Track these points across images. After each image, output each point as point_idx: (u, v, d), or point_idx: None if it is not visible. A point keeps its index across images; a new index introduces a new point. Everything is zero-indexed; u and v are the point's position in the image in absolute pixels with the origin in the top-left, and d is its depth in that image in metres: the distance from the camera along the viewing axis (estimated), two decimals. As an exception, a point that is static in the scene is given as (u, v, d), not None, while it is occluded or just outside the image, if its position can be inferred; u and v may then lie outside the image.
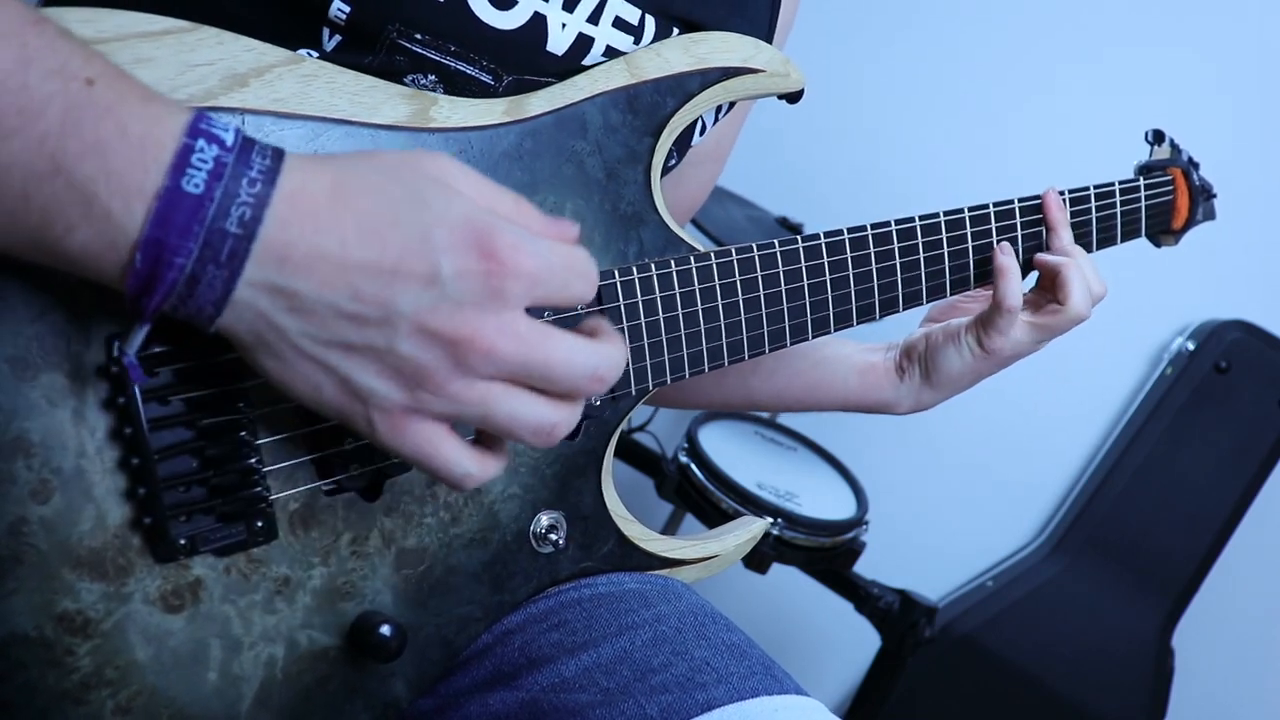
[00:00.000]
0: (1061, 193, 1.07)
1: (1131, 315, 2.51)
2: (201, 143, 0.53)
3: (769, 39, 0.99)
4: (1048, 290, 1.04)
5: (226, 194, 0.52)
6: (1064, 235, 1.05)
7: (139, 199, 0.51)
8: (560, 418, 0.61)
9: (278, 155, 0.55)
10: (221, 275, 0.53)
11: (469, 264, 0.56)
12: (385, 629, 0.71)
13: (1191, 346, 2.44)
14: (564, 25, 0.81)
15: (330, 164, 0.57)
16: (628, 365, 0.82)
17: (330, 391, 0.57)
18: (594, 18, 0.82)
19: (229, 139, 0.53)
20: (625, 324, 0.82)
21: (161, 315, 0.54)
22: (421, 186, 0.58)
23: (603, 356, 0.61)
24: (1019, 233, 1.04)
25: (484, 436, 0.63)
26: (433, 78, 0.79)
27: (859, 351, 1.10)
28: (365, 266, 0.54)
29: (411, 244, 0.55)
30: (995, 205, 1.03)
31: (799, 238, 0.91)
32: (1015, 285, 1.00)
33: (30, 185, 0.51)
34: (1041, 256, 1.04)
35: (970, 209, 1.01)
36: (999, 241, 1.02)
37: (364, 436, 0.60)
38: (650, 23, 0.86)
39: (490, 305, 0.57)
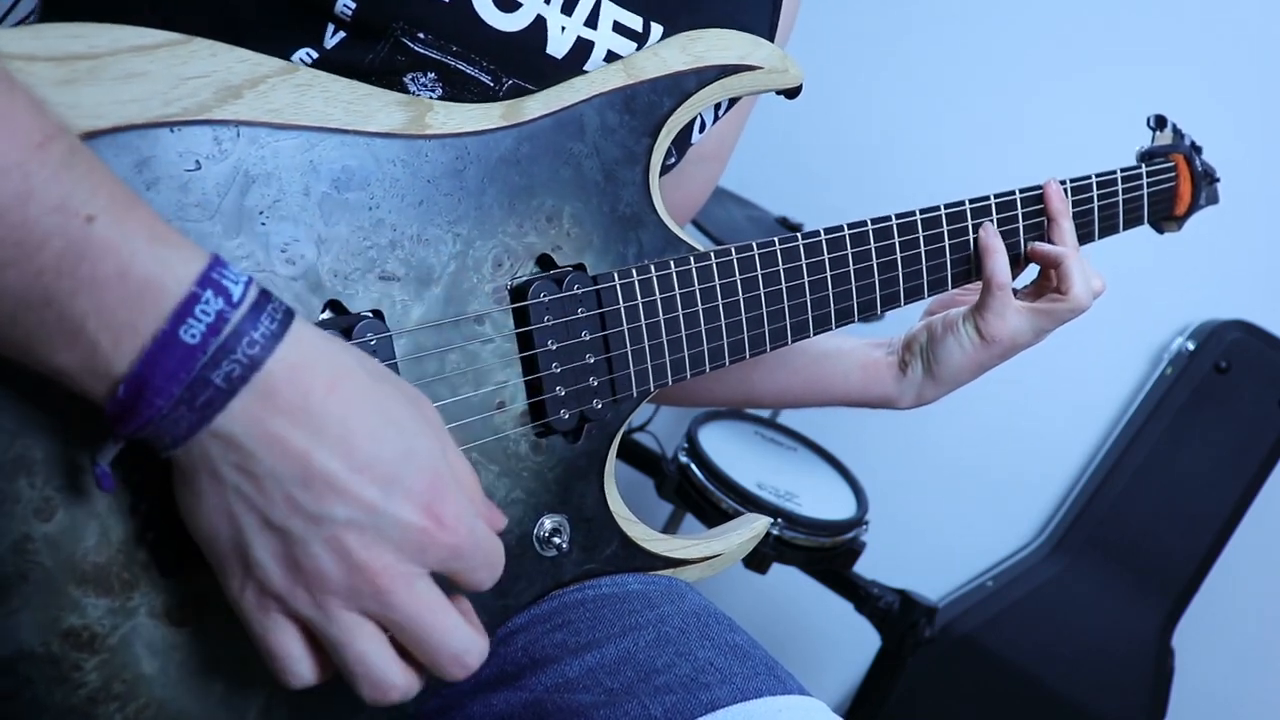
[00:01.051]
0: (1063, 182, 1.07)
1: (1131, 315, 2.51)
2: (209, 294, 0.53)
3: (770, 38, 0.99)
4: (1048, 281, 1.05)
5: (222, 349, 0.53)
6: (1065, 226, 1.05)
7: (130, 337, 0.51)
8: (402, 684, 0.61)
9: (285, 320, 0.55)
10: (189, 419, 0.53)
11: (413, 515, 0.58)
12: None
13: (1191, 346, 2.44)
14: (563, 29, 0.81)
15: (334, 352, 0.58)
16: (629, 367, 0.82)
17: (225, 545, 0.58)
18: (591, 22, 0.82)
19: (236, 294, 0.53)
20: (626, 326, 0.82)
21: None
22: (414, 420, 0.60)
23: (474, 643, 0.62)
24: (1020, 224, 1.04)
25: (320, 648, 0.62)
26: (433, 76, 0.78)
27: (861, 347, 1.10)
28: (324, 466, 0.55)
29: (377, 468, 0.57)
30: (996, 196, 1.03)
31: (798, 235, 0.91)
32: (1002, 261, 1.01)
33: (20, 312, 0.51)
34: (1040, 246, 1.04)
35: (971, 201, 1.01)
36: (983, 224, 1.02)
37: (225, 592, 0.59)
38: (656, 29, 0.85)
39: (409, 556, 0.58)
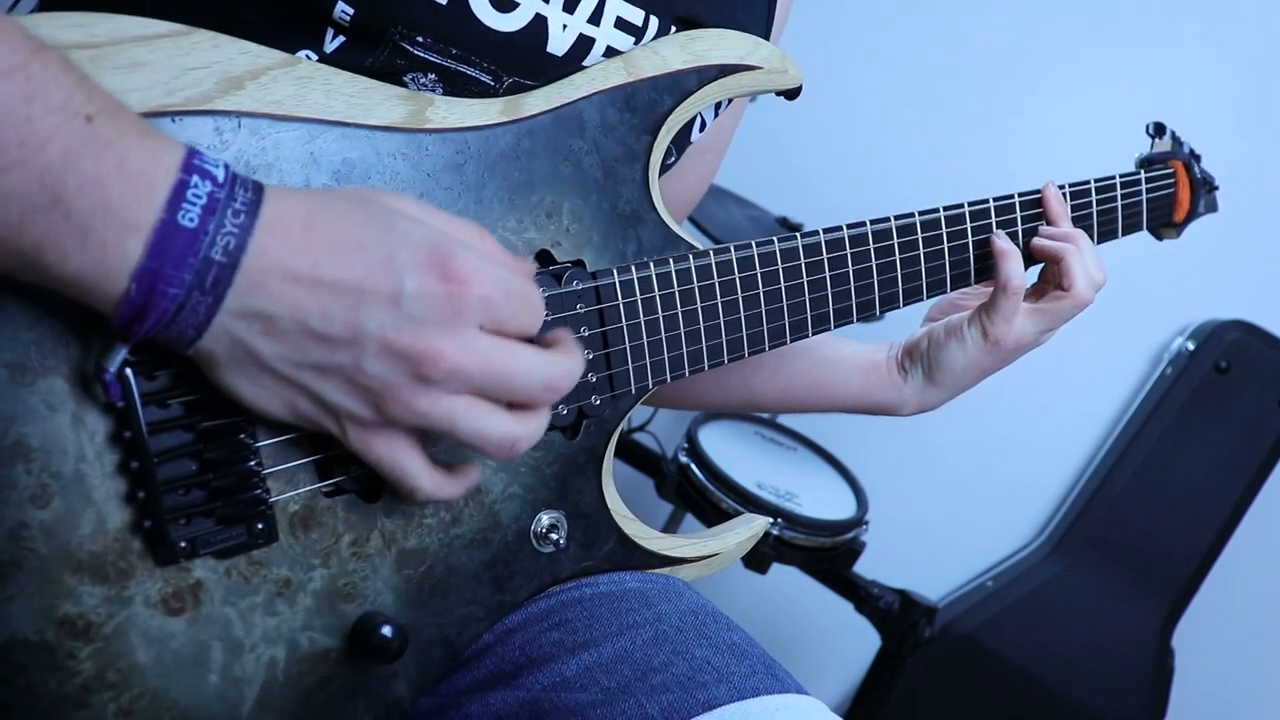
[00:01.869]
0: (1062, 186, 1.07)
1: (1131, 315, 2.51)
2: (195, 178, 0.55)
3: (766, 35, 0.99)
4: (1049, 278, 1.05)
5: (216, 226, 0.54)
6: (1064, 228, 1.05)
7: (134, 232, 0.53)
8: (523, 431, 0.64)
9: (258, 188, 0.57)
10: (205, 302, 0.55)
11: (430, 284, 0.59)
12: (386, 630, 0.71)
13: (1191, 346, 2.44)
14: (565, 26, 0.81)
15: (303, 196, 0.60)
16: (628, 363, 0.82)
17: (305, 408, 0.61)
18: (595, 18, 0.83)
19: (220, 175, 0.56)
20: (625, 322, 0.82)
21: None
22: (386, 214, 0.61)
23: (556, 367, 0.65)
24: (1019, 226, 1.04)
25: (453, 463, 0.66)
26: (433, 77, 0.79)
27: (862, 351, 1.10)
28: (333, 285, 0.57)
29: (376, 264, 0.58)
30: (995, 200, 1.03)
31: (798, 235, 0.91)
32: (1018, 265, 1.00)
33: (27, 215, 0.52)
34: (1040, 241, 1.04)
35: (970, 204, 1.01)
36: (996, 231, 1.02)
37: (342, 443, 0.63)
38: (654, 23, 0.86)
39: (450, 323, 0.60)
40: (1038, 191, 1.05)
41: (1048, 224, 1.05)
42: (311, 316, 0.57)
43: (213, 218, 0.54)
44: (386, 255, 0.58)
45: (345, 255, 0.58)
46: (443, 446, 0.72)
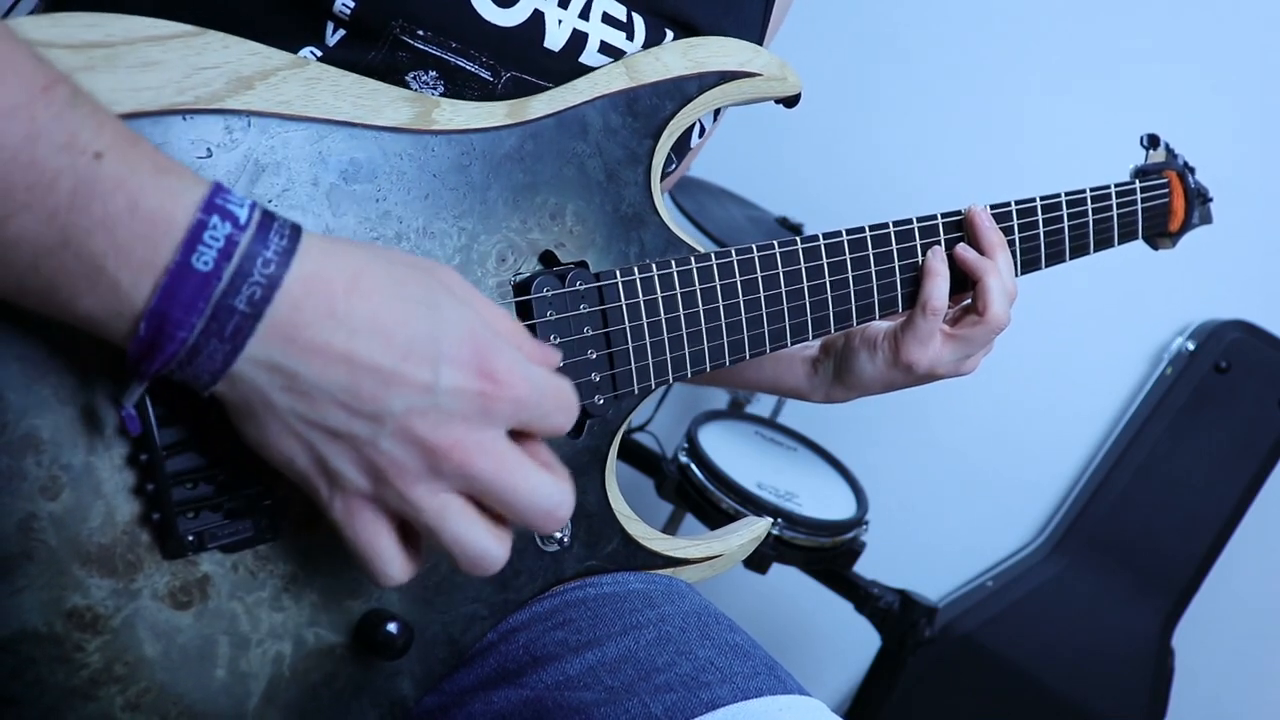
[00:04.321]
0: (1056, 195, 1.07)
1: (1131, 315, 2.52)
2: (215, 219, 0.53)
3: (761, 37, 0.99)
4: (965, 302, 1.02)
5: (238, 273, 0.53)
6: (998, 253, 1.00)
7: (147, 273, 0.52)
8: (497, 552, 0.62)
9: (295, 235, 0.55)
10: (223, 350, 0.54)
11: (467, 381, 0.58)
12: (391, 626, 0.71)
13: (1191, 346, 2.44)
14: (560, 21, 0.82)
15: (348, 253, 0.57)
16: (630, 364, 0.83)
17: (303, 464, 0.59)
18: (584, 14, 0.84)
19: (242, 216, 0.53)
20: (628, 323, 0.82)
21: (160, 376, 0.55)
22: (434, 291, 0.59)
23: (563, 495, 0.62)
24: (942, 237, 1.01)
25: (411, 540, 0.63)
26: (434, 74, 0.79)
27: None
28: (368, 362, 0.55)
29: (416, 350, 0.56)
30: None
31: (798, 238, 0.92)
32: (942, 286, 0.97)
33: (39, 257, 0.51)
34: (964, 253, 1.00)
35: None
36: (931, 247, 0.99)
37: (318, 505, 0.61)
38: (638, 21, 0.86)
39: (477, 422, 0.58)
40: (958, 213, 1.02)
41: (981, 243, 1.00)
42: (339, 387, 0.55)
43: (229, 263, 0.52)
44: (429, 341, 0.57)
45: (387, 333, 0.56)
46: None
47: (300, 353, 0.54)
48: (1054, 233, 1.08)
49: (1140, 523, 2.45)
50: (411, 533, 0.62)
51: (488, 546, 0.61)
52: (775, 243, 0.90)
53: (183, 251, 0.52)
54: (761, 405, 2.46)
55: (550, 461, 0.64)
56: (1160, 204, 1.19)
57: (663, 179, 0.89)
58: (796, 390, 1.10)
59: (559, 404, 0.62)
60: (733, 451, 2.03)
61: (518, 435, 0.62)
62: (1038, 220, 1.06)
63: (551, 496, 0.61)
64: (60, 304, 0.53)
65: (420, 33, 0.77)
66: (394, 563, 0.61)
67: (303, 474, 0.59)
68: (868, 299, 0.97)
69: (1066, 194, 1.08)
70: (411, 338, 0.56)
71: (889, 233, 0.97)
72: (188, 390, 0.59)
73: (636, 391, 0.85)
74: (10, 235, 0.50)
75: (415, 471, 0.58)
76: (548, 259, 0.80)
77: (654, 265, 0.84)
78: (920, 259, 0.99)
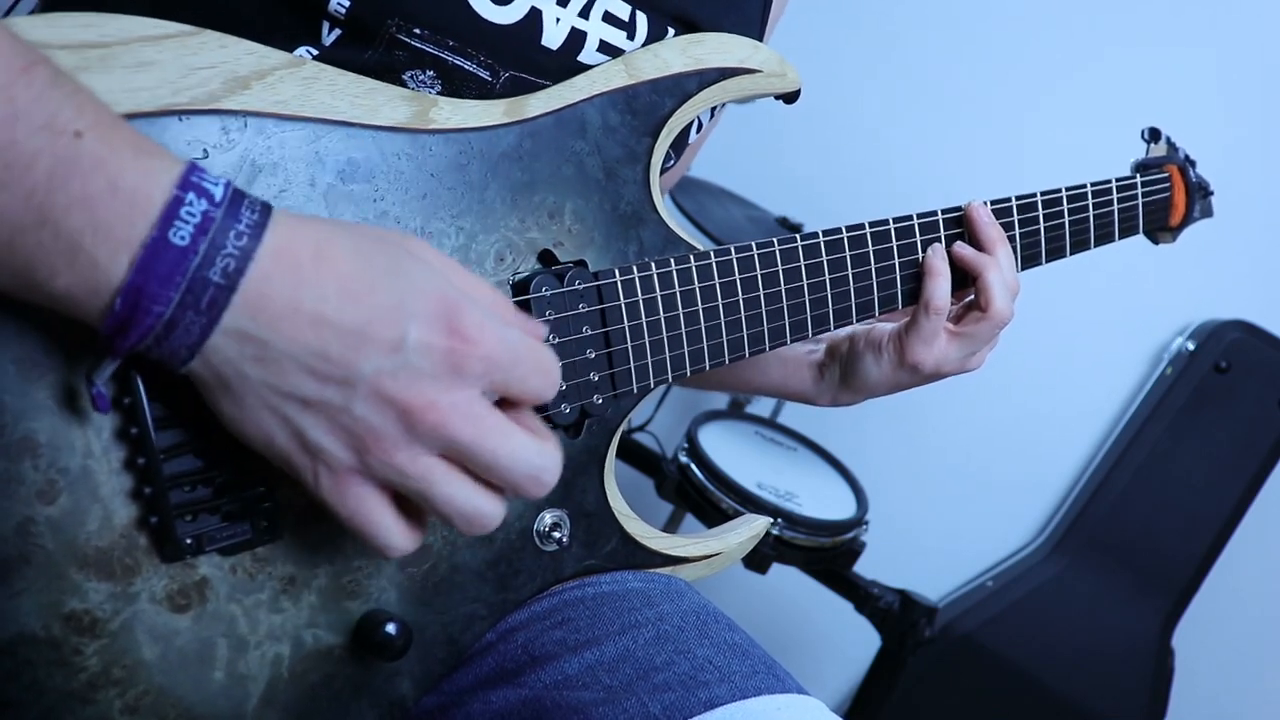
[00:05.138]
0: (1057, 190, 1.06)
1: (1131, 315, 2.52)
2: (191, 196, 0.53)
3: (761, 34, 0.99)
4: (968, 298, 1.02)
5: (213, 246, 0.53)
6: (1000, 249, 1.00)
7: (125, 249, 0.52)
8: (491, 510, 0.61)
9: (265, 210, 0.56)
10: (200, 322, 0.54)
11: (434, 337, 0.57)
12: (390, 627, 0.71)
13: (1191, 346, 2.44)
14: (558, 20, 0.82)
15: (315, 225, 0.58)
16: (629, 363, 0.83)
17: (282, 441, 0.58)
18: (584, 12, 0.83)
19: (218, 193, 0.54)
20: (626, 322, 0.82)
21: (136, 354, 0.55)
22: (402, 258, 0.59)
23: (548, 459, 0.62)
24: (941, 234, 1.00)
25: (410, 509, 0.63)
26: (431, 73, 0.79)
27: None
28: (336, 324, 0.55)
29: (383, 309, 0.56)
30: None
31: (797, 236, 0.92)
32: (944, 285, 0.97)
33: (16, 235, 0.51)
34: (961, 250, 1.00)
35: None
36: (932, 244, 0.99)
37: (308, 490, 0.60)
38: (641, 19, 0.86)
39: (448, 380, 0.58)
40: (959, 208, 1.01)
41: (981, 238, 1.00)
42: (308, 352, 0.55)
43: (205, 237, 0.53)
44: (395, 301, 0.57)
45: (353, 295, 0.56)
46: None
47: (270, 320, 0.55)
48: (1054, 228, 1.07)
49: (1140, 523, 2.45)
50: (408, 503, 0.62)
51: (480, 505, 0.61)
52: (774, 241, 0.90)
53: (159, 227, 0.52)
54: (761, 405, 2.46)
55: (537, 427, 0.63)
56: (1161, 198, 1.19)
57: (661, 175, 0.88)
58: (803, 395, 1.10)
59: (535, 366, 0.61)
60: (733, 451, 2.03)
61: (505, 405, 0.62)
62: (1038, 215, 1.06)
63: (534, 460, 0.61)
64: (37, 283, 0.53)
65: (417, 31, 0.77)
66: (393, 532, 0.61)
67: (284, 453, 0.59)
68: (868, 296, 0.97)
69: (1067, 189, 1.08)
70: (378, 301, 0.56)
71: (889, 229, 0.97)
72: (186, 391, 0.59)
73: (636, 391, 0.84)
74: None
75: (393, 436, 0.57)
76: (546, 258, 0.79)
77: (653, 264, 0.83)
78: (920, 256, 0.98)
